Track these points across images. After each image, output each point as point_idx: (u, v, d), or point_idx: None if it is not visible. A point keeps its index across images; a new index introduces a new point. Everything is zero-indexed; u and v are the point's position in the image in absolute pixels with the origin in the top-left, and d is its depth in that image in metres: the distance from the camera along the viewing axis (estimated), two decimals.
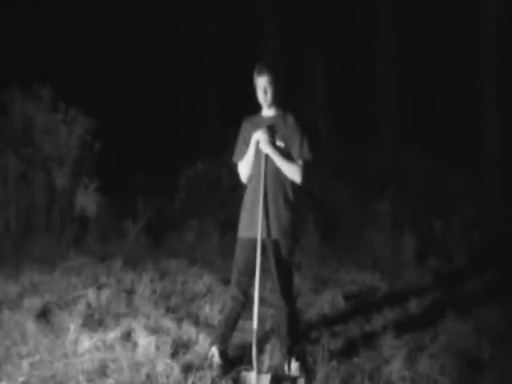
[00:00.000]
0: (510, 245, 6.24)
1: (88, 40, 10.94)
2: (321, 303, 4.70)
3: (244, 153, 3.53)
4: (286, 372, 3.41)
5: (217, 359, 3.46)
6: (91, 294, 4.73)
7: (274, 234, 3.42)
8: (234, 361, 3.52)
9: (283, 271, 3.44)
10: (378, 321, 4.34)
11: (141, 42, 11.91)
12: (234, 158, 3.62)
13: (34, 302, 4.51)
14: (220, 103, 13.18)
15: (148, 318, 4.24)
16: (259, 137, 3.42)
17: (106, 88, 10.54)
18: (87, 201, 6.73)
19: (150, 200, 7.21)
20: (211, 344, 3.59)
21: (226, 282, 4.92)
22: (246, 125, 3.60)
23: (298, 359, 3.44)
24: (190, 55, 13.02)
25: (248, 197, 3.54)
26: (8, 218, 6.53)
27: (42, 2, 10.30)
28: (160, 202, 7.44)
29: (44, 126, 6.87)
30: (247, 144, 3.51)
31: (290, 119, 3.51)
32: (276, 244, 3.43)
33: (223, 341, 3.54)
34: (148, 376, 3.35)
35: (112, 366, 3.49)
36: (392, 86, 11.79)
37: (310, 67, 12.53)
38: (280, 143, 3.45)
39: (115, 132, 8.56)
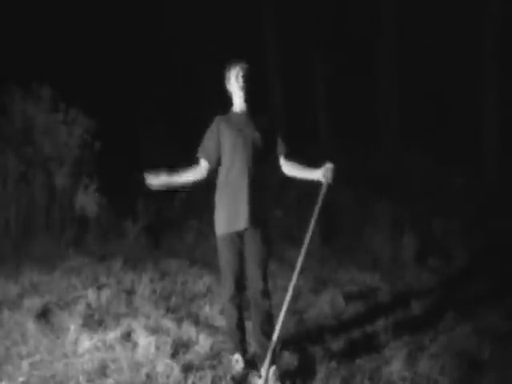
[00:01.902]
0: (510, 245, 6.23)
1: (88, 40, 10.92)
2: (321, 303, 4.70)
3: (209, 148, 3.49)
4: (263, 374, 3.22)
5: (241, 364, 3.42)
6: (91, 294, 4.73)
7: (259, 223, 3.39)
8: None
9: (265, 253, 3.40)
10: (378, 321, 4.33)
11: (141, 42, 11.90)
12: (199, 154, 3.59)
13: (34, 302, 4.51)
14: (220, 102, 13.16)
15: (148, 317, 4.25)
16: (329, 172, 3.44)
17: (106, 88, 10.53)
18: (87, 201, 6.71)
19: (149, 200, 7.20)
20: (231, 353, 3.51)
21: None
22: (219, 120, 3.55)
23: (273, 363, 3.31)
24: (190, 54, 13.01)
25: (224, 192, 3.47)
26: (8, 217, 6.52)
27: (42, 1, 10.29)
28: (160, 202, 7.43)
29: (44, 126, 6.85)
30: (213, 140, 3.48)
31: (265, 117, 3.53)
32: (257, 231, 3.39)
33: (242, 346, 3.49)
34: (148, 376, 3.36)
35: (112, 366, 3.49)
36: (393, 85, 11.77)
37: (310, 66, 12.52)
38: (257, 133, 3.43)
39: (115, 132, 8.54)
